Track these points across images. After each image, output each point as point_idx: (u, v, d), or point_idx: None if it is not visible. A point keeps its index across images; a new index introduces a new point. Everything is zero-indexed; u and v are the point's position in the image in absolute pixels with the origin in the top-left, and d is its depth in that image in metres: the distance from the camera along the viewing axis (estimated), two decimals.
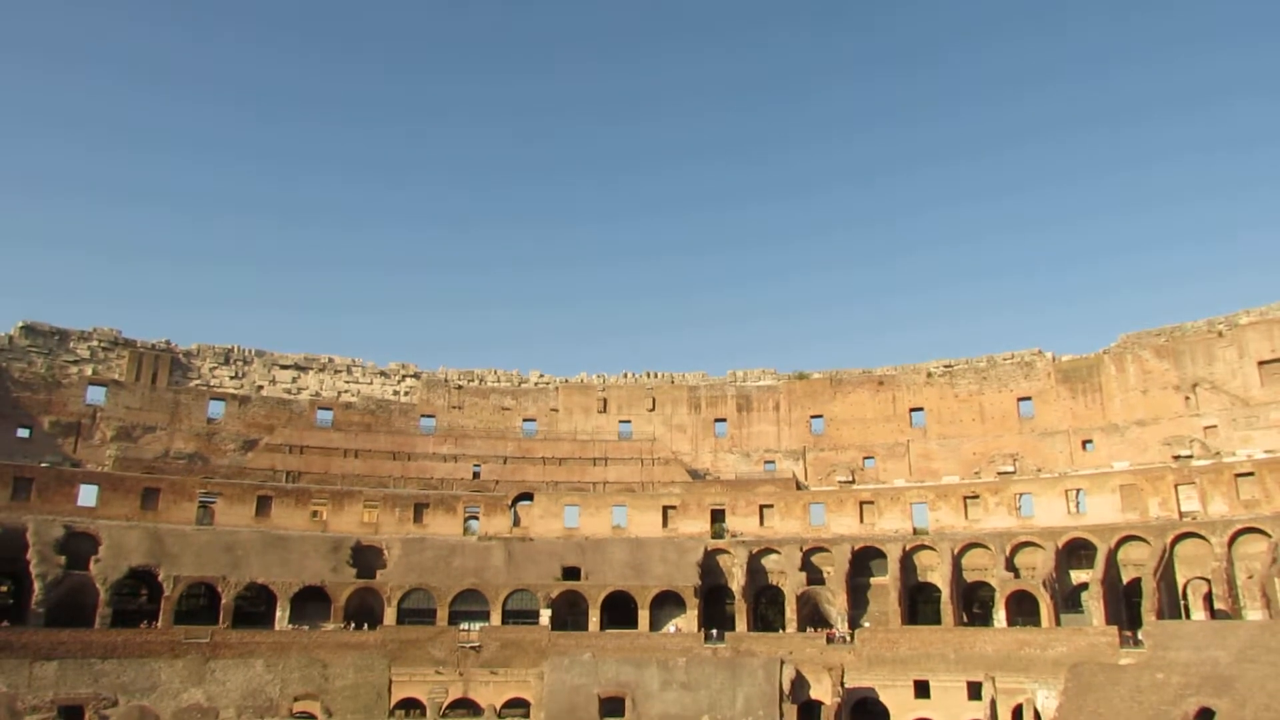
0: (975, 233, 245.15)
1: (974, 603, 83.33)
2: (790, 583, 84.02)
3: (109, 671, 65.98)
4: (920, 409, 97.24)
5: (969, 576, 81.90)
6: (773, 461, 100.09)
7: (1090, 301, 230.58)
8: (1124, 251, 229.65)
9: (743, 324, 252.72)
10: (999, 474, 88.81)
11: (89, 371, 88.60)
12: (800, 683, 71.40)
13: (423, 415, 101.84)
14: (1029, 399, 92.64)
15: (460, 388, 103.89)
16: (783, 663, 72.63)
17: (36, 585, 69.96)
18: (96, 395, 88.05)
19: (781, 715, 68.86)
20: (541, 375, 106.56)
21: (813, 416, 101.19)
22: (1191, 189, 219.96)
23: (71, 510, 77.62)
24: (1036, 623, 74.79)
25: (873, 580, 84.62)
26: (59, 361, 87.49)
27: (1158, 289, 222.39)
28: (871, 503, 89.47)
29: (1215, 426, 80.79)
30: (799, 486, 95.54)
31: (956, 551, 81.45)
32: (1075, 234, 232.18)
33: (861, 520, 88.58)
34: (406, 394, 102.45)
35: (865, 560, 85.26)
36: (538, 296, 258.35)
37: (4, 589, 75.10)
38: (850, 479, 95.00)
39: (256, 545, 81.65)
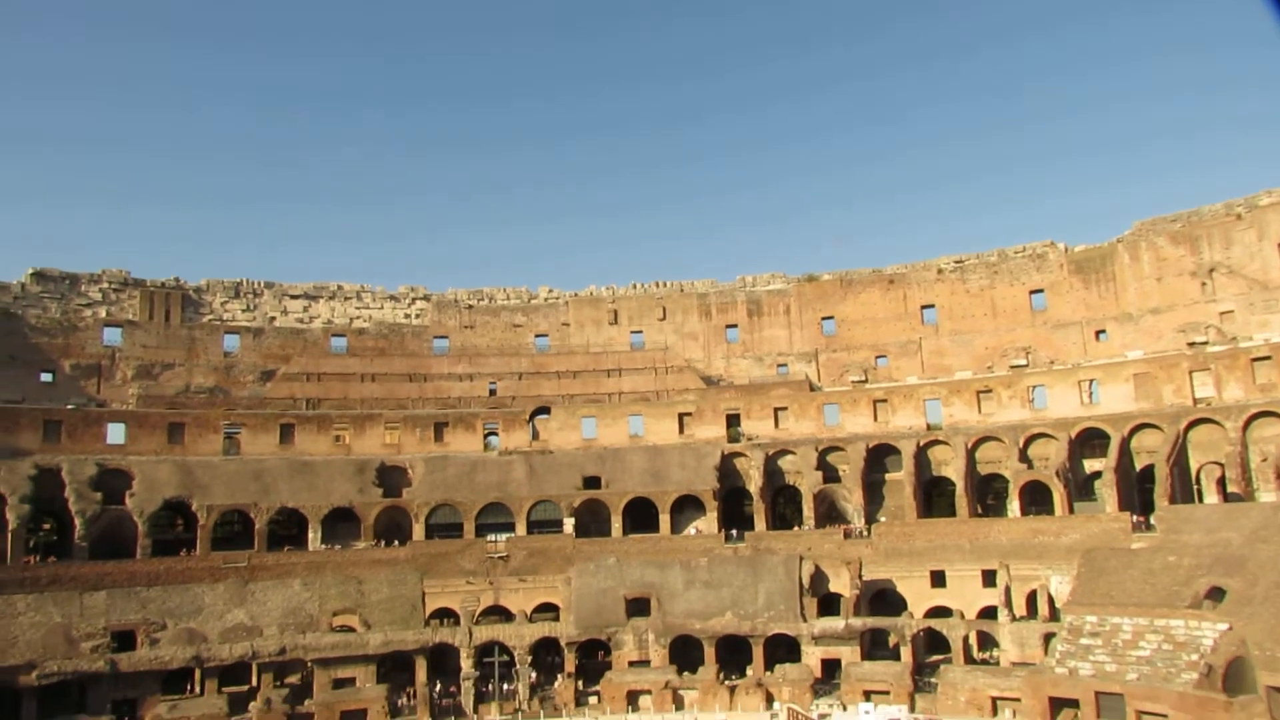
0: (984, 128, 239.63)
1: (988, 495, 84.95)
2: (807, 482, 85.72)
3: (154, 598, 68.72)
4: (931, 306, 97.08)
5: (983, 469, 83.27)
6: (785, 365, 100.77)
7: (1103, 192, 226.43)
8: (1138, 141, 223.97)
9: (751, 229, 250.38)
10: (1011, 368, 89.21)
11: (103, 313, 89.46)
12: (819, 577, 73.69)
13: (435, 337, 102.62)
14: (1041, 291, 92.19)
15: (471, 307, 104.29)
16: (802, 559, 74.82)
17: (77, 521, 72.40)
18: (113, 336, 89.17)
19: (802, 608, 71.31)
20: (551, 290, 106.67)
21: (824, 318, 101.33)
22: (1211, 78, 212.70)
23: (102, 449, 79.68)
24: (1050, 512, 76.36)
25: (888, 476, 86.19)
26: (72, 305, 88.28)
27: (1174, 177, 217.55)
28: (885, 401, 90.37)
29: (1232, 312, 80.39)
30: (812, 388, 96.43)
31: (970, 445, 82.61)
32: (1087, 125, 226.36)
33: (875, 418, 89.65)
34: (418, 317, 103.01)
35: (880, 457, 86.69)
36: (543, 213, 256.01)
37: (47, 526, 77.66)
38: (863, 378, 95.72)
39: (283, 472, 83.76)
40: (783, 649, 70.83)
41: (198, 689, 64.64)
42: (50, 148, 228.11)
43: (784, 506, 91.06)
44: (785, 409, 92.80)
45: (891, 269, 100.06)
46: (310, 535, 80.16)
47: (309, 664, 67.35)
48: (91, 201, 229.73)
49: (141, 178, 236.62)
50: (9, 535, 69.71)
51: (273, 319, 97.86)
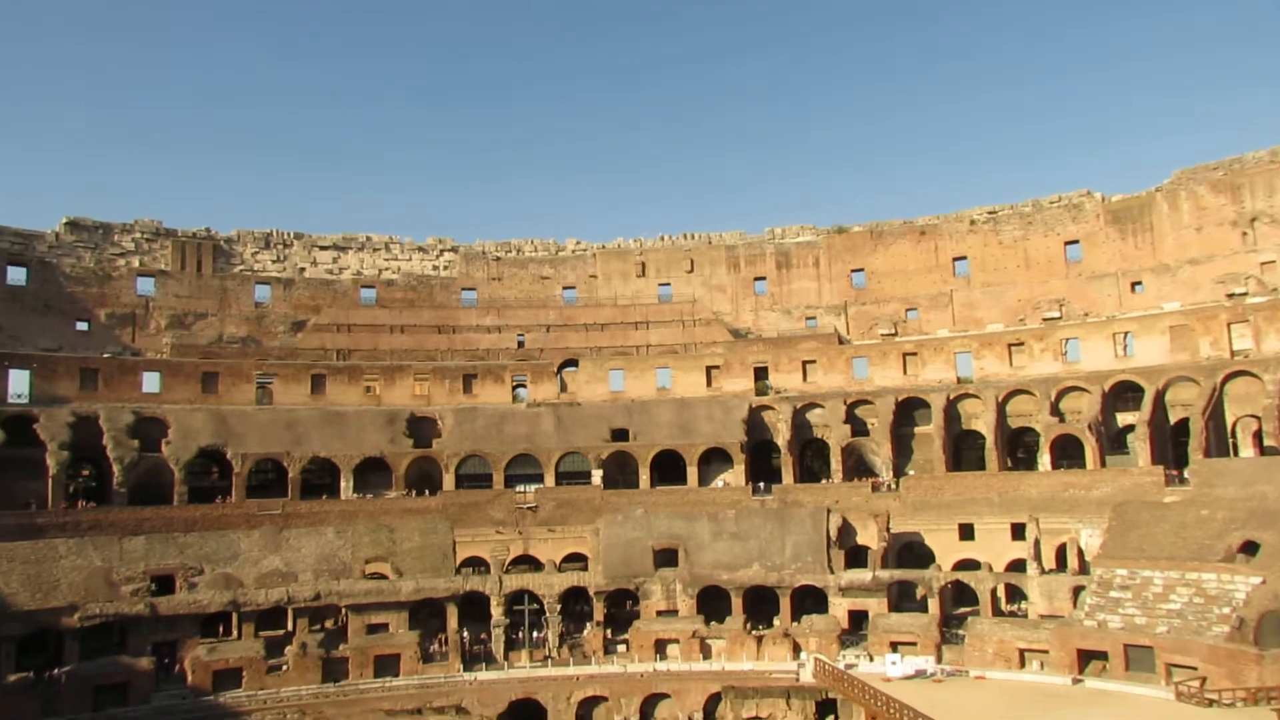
0: (1021, 77, 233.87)
1: (1018, 448, 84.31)
2: (835, 435, 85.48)
3: (192, 544, 70.17)
4: (963, 258, 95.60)
5: (1013, 423, 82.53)
6: (814, 317, 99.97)
7: (1142, 142, 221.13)
8: (1179, 92, 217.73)
9: (780, 181, 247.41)
10: (1044, 320, 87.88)
11: (136, 263, 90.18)
12: (847, 529, 73.82)
13: (463, 289, 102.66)
14: (1076, 242, 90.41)
15: (499, 259, 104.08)
16: (829, 511, 74.95)
17: (115, 468, 73.75)
18: (146, 286, 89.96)
19: (829, 560, 71.59)
20: (578, 243, 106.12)
21: (853, 270, 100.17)
22: (1255, 29, 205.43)
23: (138, 397, 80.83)
24: (1081, 466, 75.74)
25: (917, 430, 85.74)
26: (106, 255, 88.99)
27: (1216, 128, 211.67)
28: (915, 354, 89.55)
29: (1273, 262, 78.48)
30: (841, 341, 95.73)
31: (1001, 399, 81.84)
32: (1127, 75, 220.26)
33: (905, 372, 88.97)
34: (446, 268, 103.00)
35: (909, 411, 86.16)
36: (571, 165, 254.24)
37: (86, 473, 79.20)
38: (893, 331, 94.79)
39: (315, 421, 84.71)
40: (810, 600, 71.30)
41: (235, 632, 66.18)
42: (80, 97, 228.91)
43: (812, 460, 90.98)
44: (814, 362, 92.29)
45: (923, 220, 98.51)
46: (343, 484, 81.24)
47: (343, 609, 68.77)
48: (121, 150, 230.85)
49: (170, 127, 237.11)
50: (49, 481, 71.16)
51: (302, 270, 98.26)
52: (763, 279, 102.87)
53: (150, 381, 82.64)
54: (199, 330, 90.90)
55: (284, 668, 62.95)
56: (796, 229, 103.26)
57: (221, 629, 67.10)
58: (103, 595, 63.18)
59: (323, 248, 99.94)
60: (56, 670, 57.54)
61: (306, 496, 79.71)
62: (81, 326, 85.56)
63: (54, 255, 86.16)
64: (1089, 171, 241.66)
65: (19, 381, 76.52)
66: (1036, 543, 67.62)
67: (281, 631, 67.38)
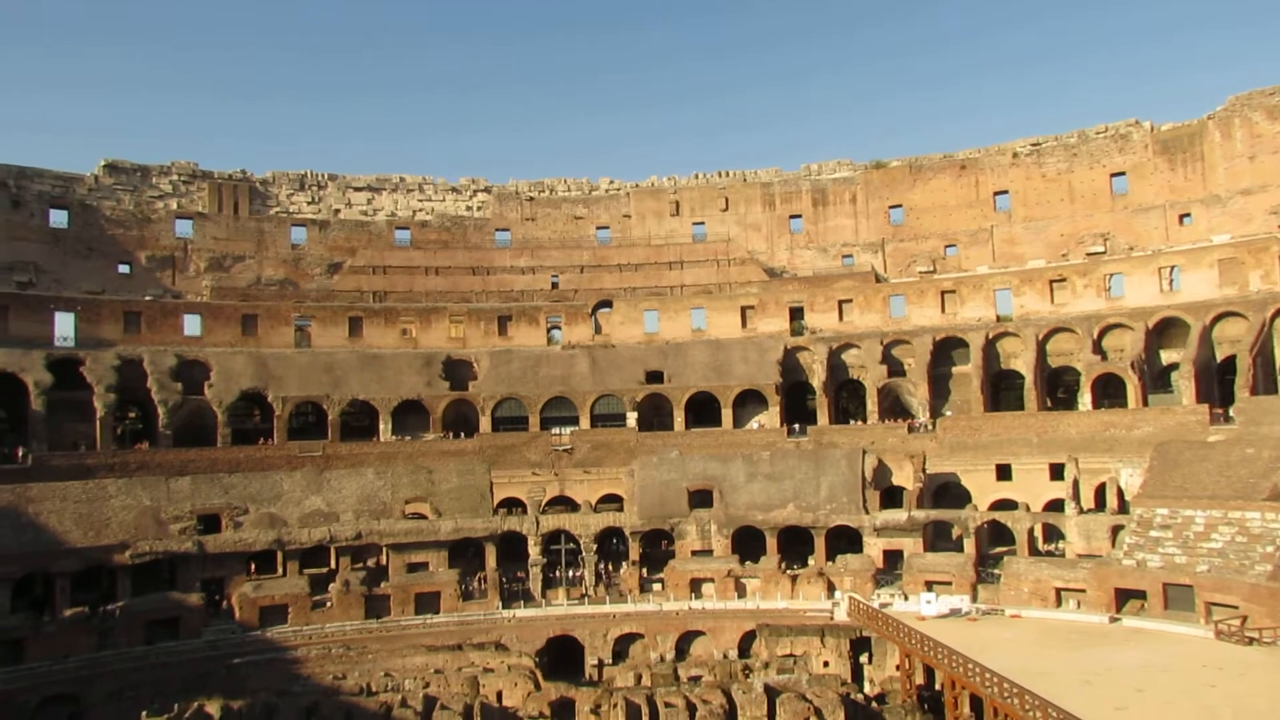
0: (1064, 6, 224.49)
1: (1058, 388, 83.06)
2: (871, 376, 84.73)
3: (236, 484, 71.82)
4: (1005, 192, 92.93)
5: (1053, 362, 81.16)
6: (851, 255, 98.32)
7: (1193, 72, 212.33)
8: (1233, 19, 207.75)
9: (817, 117, 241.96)
10: (1088, 255, 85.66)
11: (174, 205, 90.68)
12: (882, 470, 73.60)
13: (497, 229, 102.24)
14: (1123, 174, 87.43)
15: (532, 199, 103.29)
16: (865, 452, 74.73)
17: (160, 410, 75.30)
18: (184, 228, 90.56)
19: (864, 501, 71.58)
20: (612, 182, 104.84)
21: (891, 207, 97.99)
22: None
23: (180, 340, 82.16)
24: (1123, 405, 74.49)
25: (954, 370, 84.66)
26: (145, 197, 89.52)
27: (1271, 58, 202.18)
28: (953, 292, 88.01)
29: None
30: (878, 279, 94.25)
31: (1041, 337, 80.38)
32: (1177, 3, 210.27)
33: (943, 310, 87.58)
34: (479, 209, 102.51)
35: (947, 350, 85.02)
36: (604, 103, 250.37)
37: (133, 415, 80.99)
38: (931, 269, 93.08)
39: (354, 364, 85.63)
40: (844, 540, 71.53)
41: (280, 570, 67.96)
42: (116, 39, 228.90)
43: (847, 401, 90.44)
44: (850, 301, 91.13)
45: (963, 154, 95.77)
46: (381, 426, 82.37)
47: (384, 548, 70.27)
48: (156, 91, 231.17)
49: (205, 68, 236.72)
50: (97, 423, 72.90)
51: (337, 211, 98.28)
52: (798, 217, 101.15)
53: (191, 324, 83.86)
54: (237, 273, 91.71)
55: (328, 604, 64.74)
56: (833, 165, 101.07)
57: (254, 567, 67.95)
58: (152, 534, 65.07)
59: (357, 189, 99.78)
60: (111, 605, 59.65)
61: (346, 438, 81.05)
62: (123, 269, 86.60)
63: (94, 198, 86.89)
64: (1137, 102, 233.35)
65: (64, 324, 77.98)
66: (1075, 483, 66.98)
67: (325, 569, 69.07)
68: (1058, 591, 59.77)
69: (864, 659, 61.30)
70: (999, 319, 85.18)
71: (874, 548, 69.97)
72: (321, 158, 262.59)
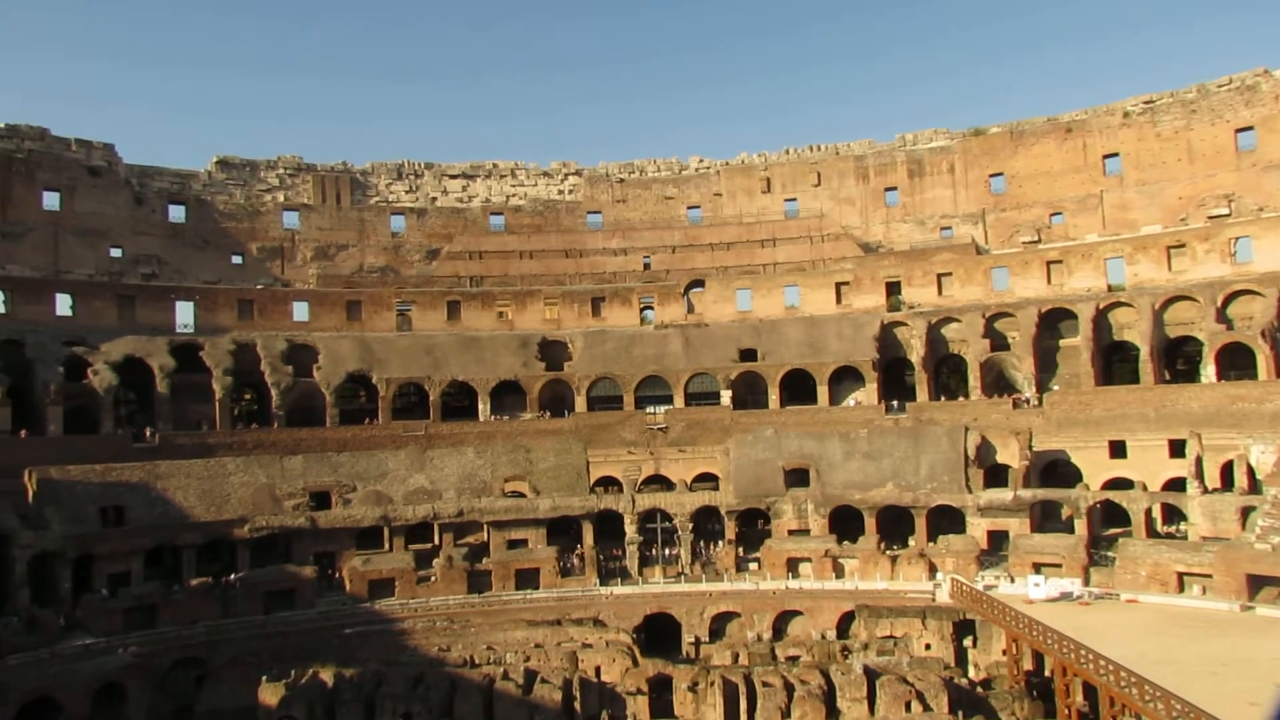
0: None
1: (1177, 359, 78.73)
2: (973, 350, 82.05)
3: (344, 463, 74.60)
4: (1115, 155, 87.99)
5: (1171, 332, 76.84)
6: (949, 227, 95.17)
7: None
8: None
9: (911, 86, 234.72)
10: (1210, 218, 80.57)
11: (281, 198, 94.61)
12: (986, 448, 71.31)
13: (589, 212, 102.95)
14: (1249, 129, 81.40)
15: (622, 181, 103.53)
16: (967, 429, 72.54)
17: (273, 392, 78.82)
18: (291, 220, 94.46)
19: (967, 479, 69.55)
20: (701, 160, 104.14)
21: (991, 175, 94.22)
22: None
23: (289, 325, 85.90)
24: (1252, 377, 69.96)
25: (1062, 343, 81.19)
26: (254, 191, 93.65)
27: None
28: (1060, 262, 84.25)
29: None
30: (979, 251, 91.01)
31: (1158, 306, 76.19)
32: None
33: (1049, 281, 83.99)
34: (571, 192, 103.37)
35: (1054, 322, 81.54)
36: (692, 80, 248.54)
37: (248, 396, 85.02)
38: (1035, 238, 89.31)
39: (453, 346, 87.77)
40: (946, 520, 69.73)
41: (387, 545, 70.35)
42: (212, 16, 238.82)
43: (948, 376, 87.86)
44: (949, 274, 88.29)
45: (1069, 116, 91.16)
46: (480, 406, 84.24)
47: (484, 525, 71.95)
48: (262, 75, 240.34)
49: (302, 54, 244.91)
50: (216, 405, 76.78)
51: (434, 199, 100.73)
52: (893, 189, 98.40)
53: (300, 310, 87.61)
54: (341, 261, 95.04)
55: (432, 579, 66.73)
56: (929, 134, 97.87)
57: (357, 543, 70.95)
58: (268, 509, 68.22)
59: (452, 176, 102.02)
60: (232, 576, 62.93)
61: (447, 418, 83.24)
62: (236, 260, 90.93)
63: (208, 193, 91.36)
64: (1261, 52, 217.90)
65: (184, 312, 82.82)
66: (1199, 460, 63.25)
67: (428, 545, 71.17)
68: (1180, 576, 56.68)
69: (967, 642, 59.61)
70: (1110, 289, 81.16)
71: (977, 528, 67.97)
72: (413, 141, 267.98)
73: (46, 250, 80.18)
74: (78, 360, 72.50)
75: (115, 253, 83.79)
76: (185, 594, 59.93)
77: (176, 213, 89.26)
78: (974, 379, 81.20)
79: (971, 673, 56.76)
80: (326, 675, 50.97)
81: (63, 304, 77.75)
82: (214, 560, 65.28)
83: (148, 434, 71.54)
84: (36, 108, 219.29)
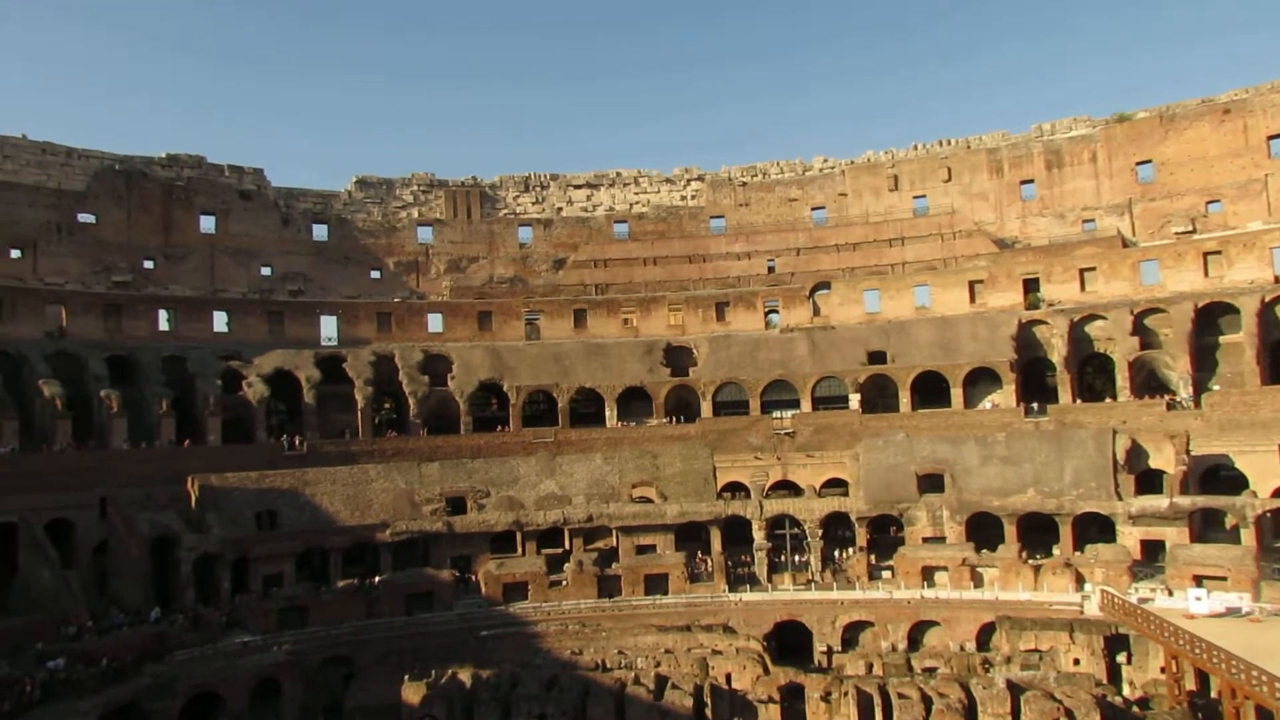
0: None
1: None
2: (1120, 349, 77.54)
3: (477, 469, 76.92)
4: None
5: None
6: (1092, 220, 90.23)
7: None
8: None
9: (1046, 74, 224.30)
10: None
11: (415, 214, 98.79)
12: (1137, 452, 67.18)
13: (711, 217, 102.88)
14: None
15: (745, 184, 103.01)
16: (1115, 432, 68.57)
17: (410, 401, 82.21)
18: (425, 235, 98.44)
19: (1116, 485, 65.75)
20: (825, 160, 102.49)
21: (1138, 163, 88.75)
22: None
23: (425, 336, 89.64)
24: None
25: (1222, 339, 75.73)
26: (390, 208, 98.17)
27: None
28: (1218, 253, 78.59)
29: None
30: (1125, 244, 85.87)
31: None
32: None
33: (1206, 274, 78.46)
34: (693, 198, 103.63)
35: (1211, 318, 76.17)
36: (815, 79, 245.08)
37: (387, 405, 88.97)
38: (1190, 229, 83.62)
39: (579, 354, 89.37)
40: (1093, 529, 66.14)
41: (519, 549, 72.09)
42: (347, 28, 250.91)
43: (1092, 377, 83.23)
44: (1093, 269, 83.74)
45: (1226, 96, 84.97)
46: (607, 413, 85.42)
47: (613, 530, 72.76)
48: (382, 83, 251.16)
49: (433, 62, 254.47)
50: (358, 414, 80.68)
51: (559, 210, 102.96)
52: (1030, 182, 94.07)
53: (434, 322, 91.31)
54: (472, 273, 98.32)
55: (564, 583, 67.93)
56: (1069, 122, 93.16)
57: (491, 548, 72.88)
58: (407, 514, 71.07)
59: (576, 186, 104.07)
60: (375, 578, 65.84)
61: (575, 425, 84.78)
62: (375, 275, 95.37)
63: (348, 212, 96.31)
64: None
65: (328, 326, 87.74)
66: None
67: (559, 550, 72.49)
68: None
69: (1121, 659, 56.25)
70: (1277, 280, 75.20)
71: (1129, 537, 64.11)
72: (539, 158, 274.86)
73: (204, 271, 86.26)
74: (233, 374, 77.72)
75: (265, 271, 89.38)
76: (332, 595, 63.09)
77: (320, 231, 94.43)
78: (1122, 379, 76.75)
79: (1126, 691, 53.49)
80: (465, 676, 52.62)
81: (219, 321, 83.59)
82: (358, 563, 68.45)
83: (296, 442, 75.73)
84: (189, 128, 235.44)
